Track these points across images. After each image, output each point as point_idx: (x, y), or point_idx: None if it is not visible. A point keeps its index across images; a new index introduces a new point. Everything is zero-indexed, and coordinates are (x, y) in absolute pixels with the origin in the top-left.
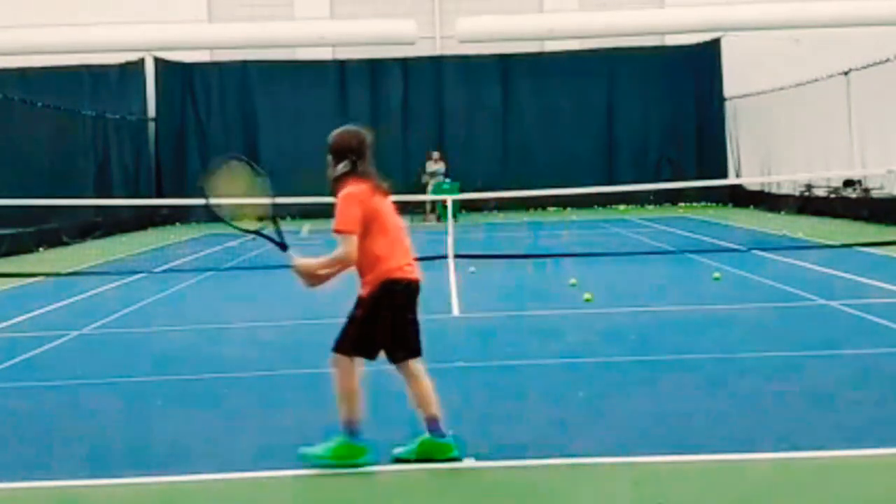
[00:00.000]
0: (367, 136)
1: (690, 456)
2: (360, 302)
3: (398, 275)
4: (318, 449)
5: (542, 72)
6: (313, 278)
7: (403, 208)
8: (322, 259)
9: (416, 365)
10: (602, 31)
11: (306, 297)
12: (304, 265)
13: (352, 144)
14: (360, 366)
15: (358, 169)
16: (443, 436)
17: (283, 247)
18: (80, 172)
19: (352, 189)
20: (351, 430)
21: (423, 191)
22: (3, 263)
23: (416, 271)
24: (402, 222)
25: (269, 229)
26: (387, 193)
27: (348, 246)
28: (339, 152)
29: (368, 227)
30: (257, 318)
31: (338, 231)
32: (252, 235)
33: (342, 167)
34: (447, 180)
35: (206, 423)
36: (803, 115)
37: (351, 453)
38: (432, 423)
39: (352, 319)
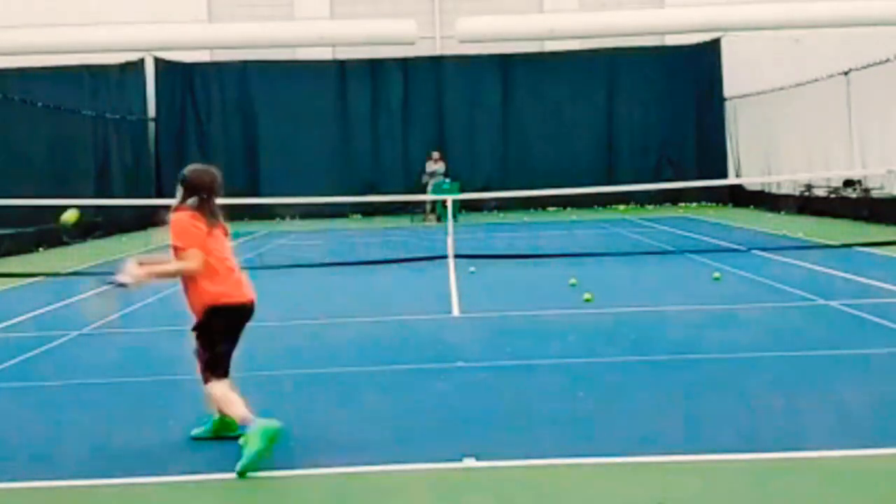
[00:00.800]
0: (219, 177)
1: (690, 456)
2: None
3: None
4: (245, 455)
5: (542, 72)
6: (143, 278)
7: (403, 208)
8: (166, 266)
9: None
10: (602, 31)
11: (305, 297)
12: (145, 268)
13: (204, 182)
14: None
15: (203, 205)
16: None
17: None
18: (80, 172)
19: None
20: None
21: (423, 191)
22: (3, 263)
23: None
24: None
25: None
26: (225, 230)
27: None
28: (191, 188)
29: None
30: (257, 317)
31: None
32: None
33: (191, 201)
34: (447, 180)
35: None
36: (803, 115)
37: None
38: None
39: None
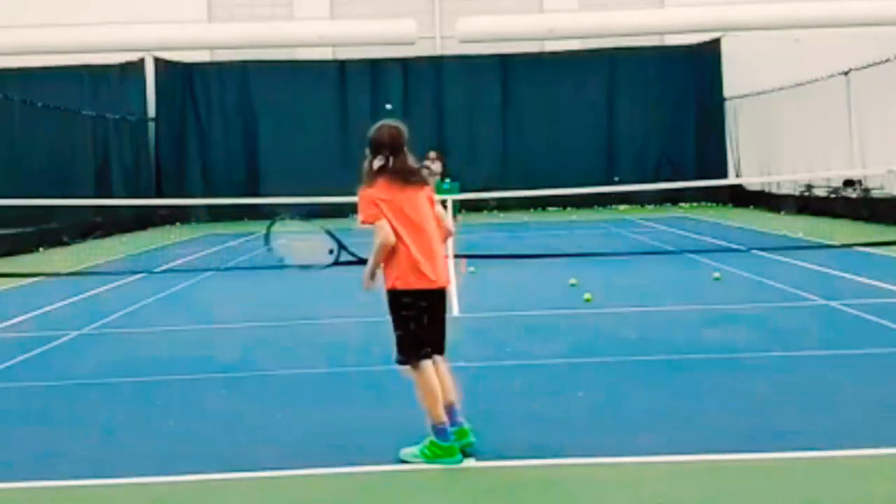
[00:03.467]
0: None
1: (690, 456)
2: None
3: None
4: (413, 449)
5: (542, 72)
6: (370, 280)
7: None
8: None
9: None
10: (602, 31)
11: (304, 297)
12: (365, 273)
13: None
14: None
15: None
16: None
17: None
18: (80, 172)
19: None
20: (437, 430)
21: None
22: (3, 263)
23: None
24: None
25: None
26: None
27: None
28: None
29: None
30: (257, 318)
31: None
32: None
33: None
34: (447, 180)
35: (206, 422)
36: (803, 115)
37: (443, 453)
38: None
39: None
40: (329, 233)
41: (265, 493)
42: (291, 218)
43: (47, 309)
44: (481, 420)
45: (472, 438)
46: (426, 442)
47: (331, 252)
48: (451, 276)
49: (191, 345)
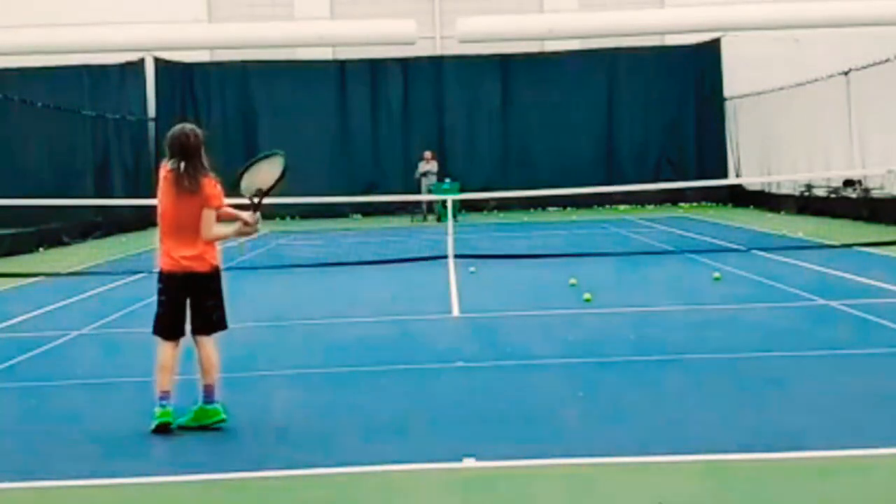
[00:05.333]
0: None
1: (690, 456)
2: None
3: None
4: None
5: (542, 72)
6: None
7: (403, 208)
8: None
9: (203, 339)
10: (602, 31)
11: (305, 297)
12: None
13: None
14: (170, 344)
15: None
16: (212, 402)
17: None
18: (80, 172)
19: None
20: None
21: (419, 190)
22: (3, 263)
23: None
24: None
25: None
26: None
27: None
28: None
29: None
30: (257, 318)
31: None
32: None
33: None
34: (447, 180)
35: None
36: (803, 115)
37: (207, 415)
38: (208, 391)
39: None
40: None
41: (265, 493)
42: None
43: (47, 309)
44: (481, 420)
45: (223, 416)
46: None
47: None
48: (452, 277)
49: (190, 345)
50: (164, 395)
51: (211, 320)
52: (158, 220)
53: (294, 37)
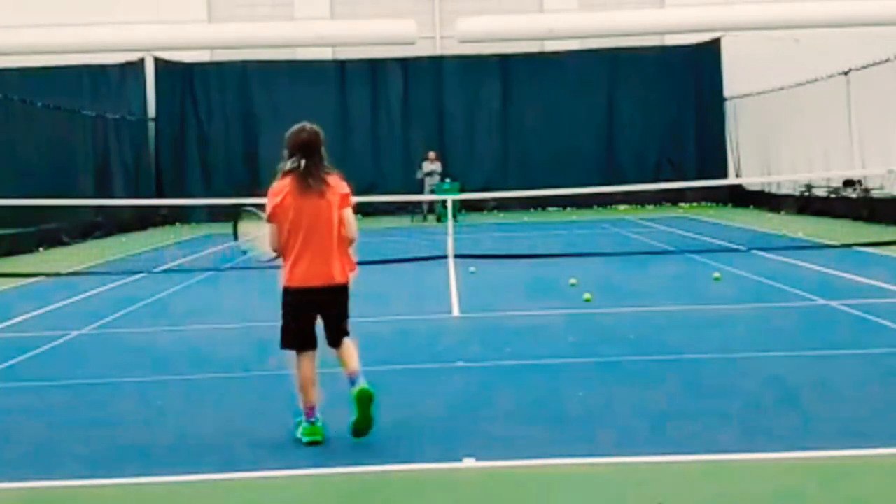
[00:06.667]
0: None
1: (690, 456)
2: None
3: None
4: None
5: (542, 72)
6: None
7: (403, 208)
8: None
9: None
10: (602, 31)
11: None
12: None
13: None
14: (308, 354)
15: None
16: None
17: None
18: (80, 172)
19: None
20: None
21: (420, 190)
22: (3, 263)
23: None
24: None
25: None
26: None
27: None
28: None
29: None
30: (257, 318)
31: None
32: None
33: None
34: (447, 180)
35: (206, 422)
36: (804, 114)
37: (308, 433)
38: (352, 377)
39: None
40: None
41: (265, 493)
42: (257, 208)
43: (47, 309)
44: (481, 420)
45: (371, 392)
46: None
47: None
48: (452, 277)
49: (190, 345)
50: (313, 410)
51: (344, 332)
52: (283, 234)
53: (294, 37)
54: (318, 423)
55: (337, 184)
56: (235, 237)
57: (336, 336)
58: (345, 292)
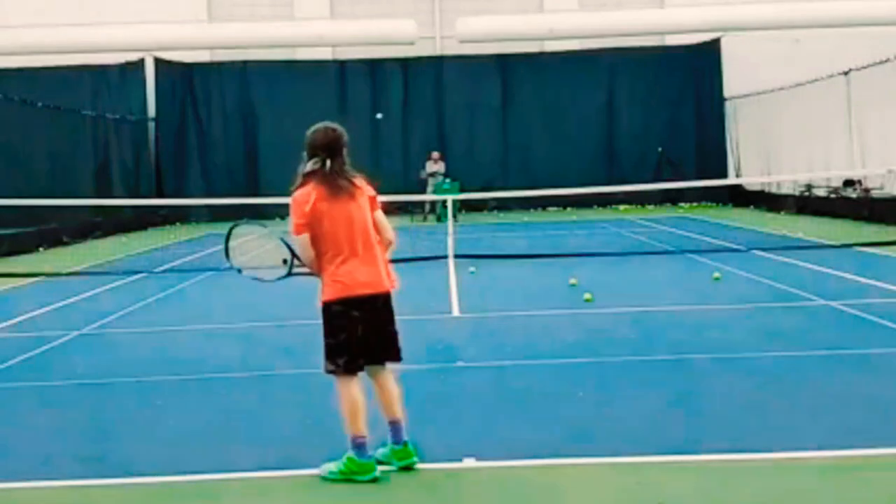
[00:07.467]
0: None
1: (690, 456)
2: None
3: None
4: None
5: (542, 72)
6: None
7: (403, 208)
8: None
9: (384, 369)
10: (602, 31)
11: (305, 298)
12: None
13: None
14: (356, 378)
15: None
16: (401, 441)
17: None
18: (80, 172)
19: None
20: (356, 445)
21: (422, 190)
22: (3, 263)
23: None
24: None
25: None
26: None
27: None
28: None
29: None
30: (257, 318)
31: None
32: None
33: (311, 164)
34: (447, 180)
35: (206, 422)
36: (803, 115)
37: (360, 469)
38: (396, 428)
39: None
40: (284, 242)
41: (265, 493)
42: (248, 223)
43: (47, 309)
44: (481, 420)
45: (415, 458)
46: (344, 457)
47: (284, 262)
48: (452, 277)
49: (191, 345)
50: (363, 442)
51: (397, 346)
52: (318, 245)
53: (294, 37)
54: (373, 459)
55: (364, 186)
56: (227, 255)
57: (394, 350)
58: (391, 301)
